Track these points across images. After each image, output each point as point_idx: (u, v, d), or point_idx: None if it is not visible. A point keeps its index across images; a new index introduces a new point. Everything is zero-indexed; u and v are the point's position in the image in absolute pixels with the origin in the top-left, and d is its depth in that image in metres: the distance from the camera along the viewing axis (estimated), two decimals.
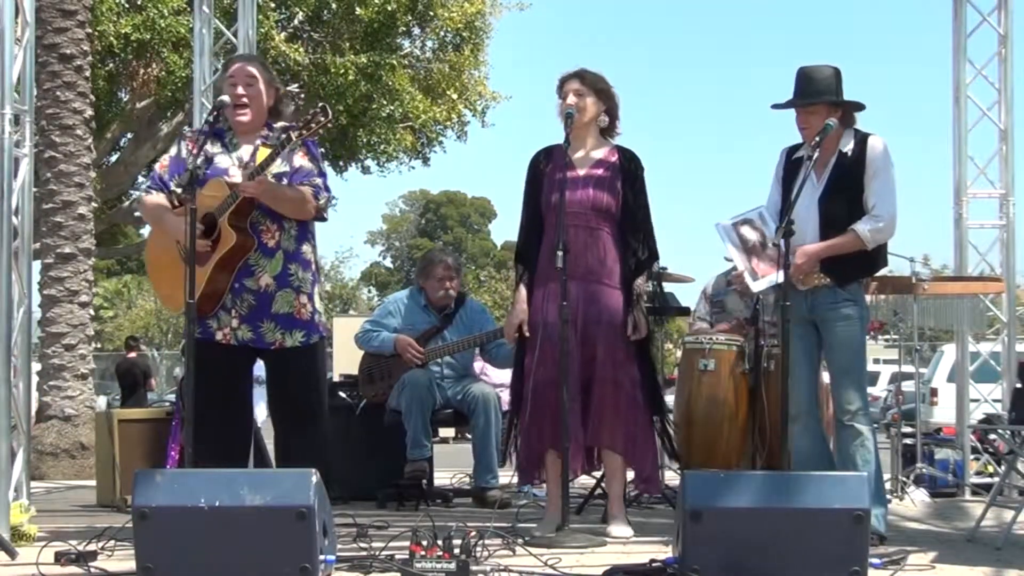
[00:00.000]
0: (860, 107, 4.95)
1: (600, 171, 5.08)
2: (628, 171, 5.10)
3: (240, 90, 4.74)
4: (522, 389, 5.02)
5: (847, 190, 4.85)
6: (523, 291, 5.13)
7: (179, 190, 4.77)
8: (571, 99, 5.04)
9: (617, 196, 5.05)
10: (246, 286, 4.72)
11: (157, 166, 4.98)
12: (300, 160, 4.71)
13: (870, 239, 4.81)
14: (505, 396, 6.09)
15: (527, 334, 5.05)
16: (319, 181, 4.76)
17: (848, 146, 4.90)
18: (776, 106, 5.02)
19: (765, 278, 4.89)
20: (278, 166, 4.66)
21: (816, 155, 4.74)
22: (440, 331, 6.73)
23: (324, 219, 4.86)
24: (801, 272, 4.81)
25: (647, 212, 5.14)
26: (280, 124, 4.85)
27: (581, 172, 5.07)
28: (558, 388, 4.75)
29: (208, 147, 4.66)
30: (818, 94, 4.88)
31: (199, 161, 4.50)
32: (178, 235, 4.65)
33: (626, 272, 5.05)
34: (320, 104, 4.58)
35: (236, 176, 4.68)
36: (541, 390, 4.91)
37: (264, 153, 4.65)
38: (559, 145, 5.08)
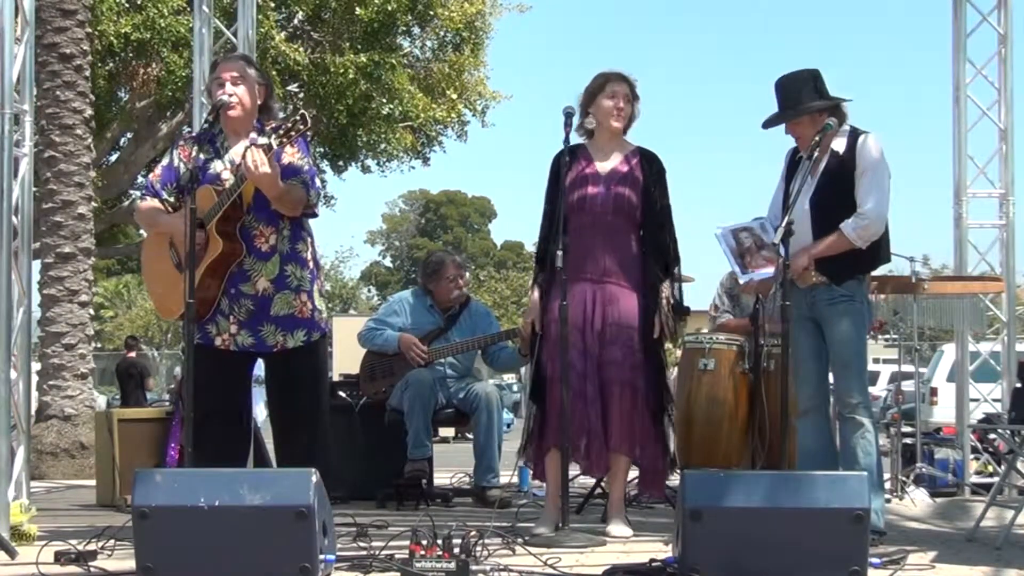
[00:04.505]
0: (844, 101, 4.94)
1: (624, 172, 5.08)
2: (651, 172, 5.10)
3: (228, 87, 4.73)
4: (541, 388, 5.05)
5: (838, 189, 4.86)
6: (536, 292, 5.11)
7: (171, 198, 4.79)
8: (623, 103, 5.05)
9: (640, 197, 5.05)
10: (243, 291, 4.71)
11: (150, 175, 4.98)
12: (287, 157, 4.70)
13: (856, 237, 4.81)
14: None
15: (539, 331, 5.05)
16: (306, 178, 4.75)
17: (840, 145, 4.90)
18: (765, 124, 5.04)
19: (756, 271, 4.93)
20: None
21: (815, 155, 4.77)
22: (444, 332, 6.74)
23: (315, 215, 4.86)
24: (795, 271, 4.82)
25: (670, 213, 5.13)
26: (271, 123, 4.84)
27: (604, 173, 5.06)
28: (570, 387, 4.76)
29: (201, 154, 4.66)
30: (797, 104, 4.90)
31: (199, 161, 4.50)
32: (175, 232, 4.66)
33: (651, 274, 5.04)
34: (300, 112, 4.57)
35: (230, 180, 4.67)
36: (552, 388, 4.92)
37: (253, 154, 4.64)
38: (582, 145, 5.12)
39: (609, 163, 5.09)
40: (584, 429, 4.92)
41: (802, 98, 4.89)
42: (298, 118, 4.50)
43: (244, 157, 4.53)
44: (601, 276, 4.98)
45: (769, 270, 4.88)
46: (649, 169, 5.11)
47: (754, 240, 4.99)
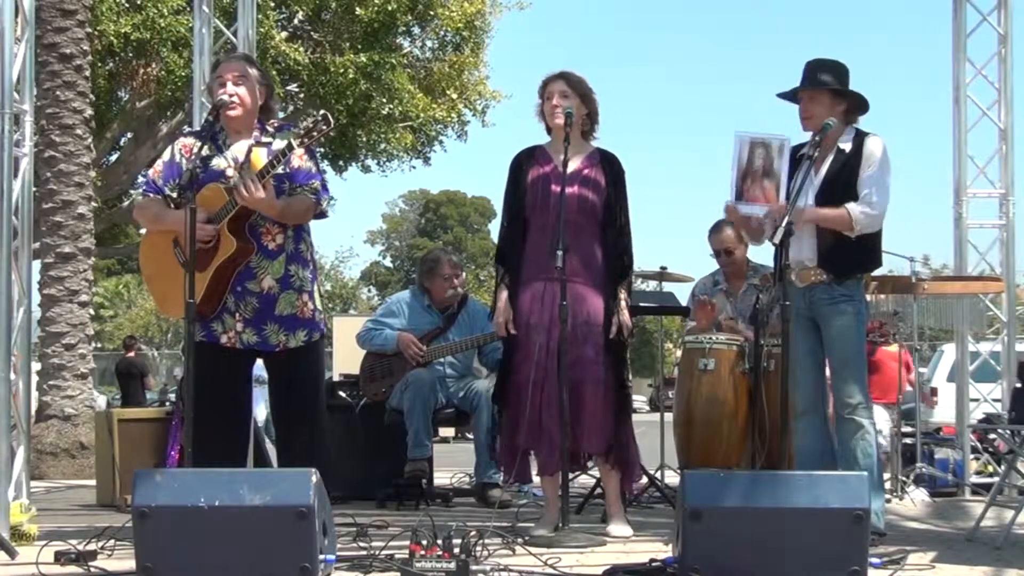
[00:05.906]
0: (864, 105, 4.97)
1: (584, 172, 5.09)
2: (611, 173, 5.12)
3: (229, 87, 4.72)
4: (506, 388, 5.05)
5: (843, 186, 4.88)
6: (504, 291, 5.10)
7: (174, 194, 4.77)
8: (556, 100, 5.04)
9: (601, 197, 5.06)
10: (248, 289, 4.70)
11: (151, 172, 4.93)
12: (297, 161, 4.68)
13: (859, 220, 4.81)
14: None
15: (513, 332, 5.04)
16: (317, 184, 4.73)
17: (847, 144, 4.93)
18: (781, 95, 5.03)
19: (747, 205, 4.87)
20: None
21: (816, 154, 4.77)
22: (443, 332, 6.74)
23: (325, 216, 4.87)
24: (778, 215, 4.69)
25: (627, 215, 5.15)
26: (273, 122, 4.83)
27: (566, 173, 5.06)
28: (541, 390, 4.78)
29: (204, 150, 4.64)
30: (823, 83, 4.89)
31: (198, 160, 4.49)
32: (181, 229, 4.62)
33: (610, 273, 5.06)
34: (322, 112, 4.54)
35: (234, 177, 4.65)
36: (524, 390, 4.90)
37: (257, 153, 4.62)
38: (540, 146, 5.15)
39: (571, 163, 5.07)
40: (551, 429, 4.89)
41: (828, 78, 4.89)
42: (319, 118, 4.46)
43: (235, 185, 4.50)
44: (570, 275, 4.95)
45: (760, 207, 4.82)
46: (609, 170, 5.12)
47: (764, 163, 4.86)
